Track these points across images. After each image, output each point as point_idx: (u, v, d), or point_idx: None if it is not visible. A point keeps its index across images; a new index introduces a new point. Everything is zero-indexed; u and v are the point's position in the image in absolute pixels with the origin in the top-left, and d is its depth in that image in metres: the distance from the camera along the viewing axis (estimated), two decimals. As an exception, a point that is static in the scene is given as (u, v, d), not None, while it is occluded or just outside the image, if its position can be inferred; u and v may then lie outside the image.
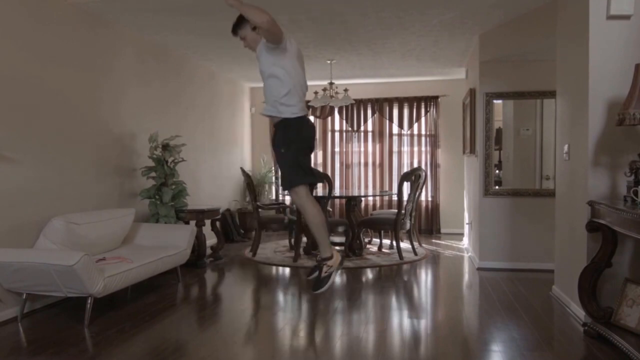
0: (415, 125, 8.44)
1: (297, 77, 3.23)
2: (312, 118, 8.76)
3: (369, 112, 8.59)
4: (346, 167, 8.70)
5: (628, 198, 3.17)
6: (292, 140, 3.20)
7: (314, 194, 5.74)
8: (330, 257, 3.24)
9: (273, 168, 8.79)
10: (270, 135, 8.91)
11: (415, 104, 8.40)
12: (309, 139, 3.31)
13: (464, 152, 7.08)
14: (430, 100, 8.35)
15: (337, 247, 6.52)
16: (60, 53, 4.34)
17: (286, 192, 3.33)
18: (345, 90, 7.14)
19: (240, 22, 3.31)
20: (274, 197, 8.85)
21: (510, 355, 3.10)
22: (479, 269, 5.53)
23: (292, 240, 6.61)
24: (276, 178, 8.83)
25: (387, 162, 8.56)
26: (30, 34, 4.02)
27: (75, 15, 4.52)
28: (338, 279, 5.29)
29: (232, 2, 2.93)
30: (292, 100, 3.18)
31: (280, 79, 3.17)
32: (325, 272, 3.21)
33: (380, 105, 8.50)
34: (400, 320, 3.88)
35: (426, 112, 8.38)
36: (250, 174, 6.77)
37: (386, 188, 8.48)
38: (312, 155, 8.60)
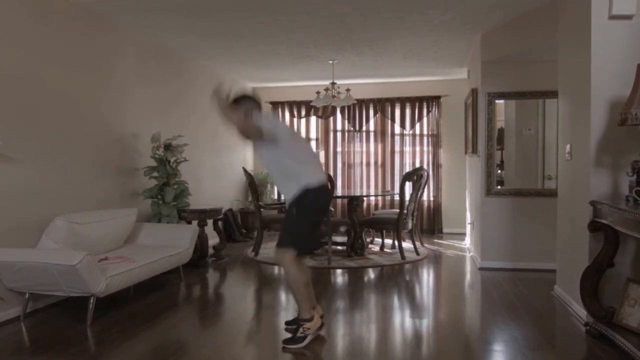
0: (417, 125, 8.43)
1: (302, 152, 3.34)
2: (314, 118, 8.79)
3: (371, 112, 8.58)
4: (348, 167, 8.70)
5: (630, 198, 3.17)
6: (307, 208, 3.26)
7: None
8: (310, 320, 3.27)
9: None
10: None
11: (417, 103, 8.39)
12: (323, 210, 3.43)
13: (466, 152, 7.07)
14: (432, 100, 8.34)
15: (339, 247, 6.56)
16: (62, 53, 4.35)
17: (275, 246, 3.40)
18: (347, 90, 7.14)
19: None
20: (275, 196, 8.86)
21: (511, 355, 3.10)
22: (480, 268, 5.53)
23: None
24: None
25: (389, 162, 8.56)
26: (32, 34, 4.03)
27: (77, 15, 4.53)
28: (340, 279, 5.30)
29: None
30: (309, 173, 3.27)
31: (288, 162, 3.27)
32: (301, 333, 3.23)
33: (382, 105, 8.50)
34: (402, 320, 3.89)
35: (428, 112, 8.38)
36: (252, 173, 6.77)
37: (388, 188, 8.48)
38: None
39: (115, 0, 4.44)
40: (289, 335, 3.32)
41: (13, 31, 3.85)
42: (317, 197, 3.28)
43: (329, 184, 3.50)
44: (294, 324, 3.39)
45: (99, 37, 4.84)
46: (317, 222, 3.45)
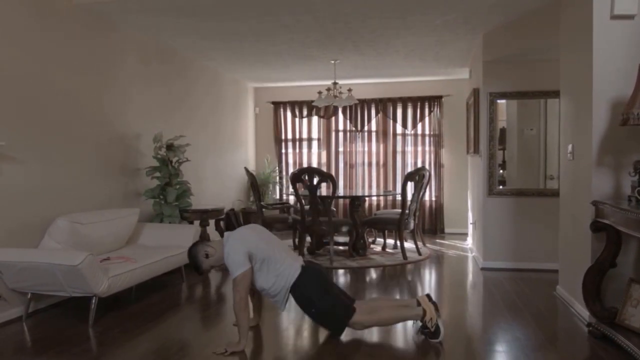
0: (419, 125, 8.43)
1: (268, 252, 3.30)
2: (315, 118, 8.78)
3: (373, 112, 8.58)
4: (350, 167, 8.70)
5: (632, 198, 3.16)
6: (312, 298, 3.30)
7: (318, 194, 5.75)
8: (423, 315, 3.29)
9: (277, 168, 8.81)
10: (274, 134, 8.93)
11: (418, 103, 8.39)
12: (324, 282, 3.43)
13: (467, 152, 7.07)
14: (434, 100, 8.34)
15: (341, 247, 6.56)
16: (64, 53, 4.36)
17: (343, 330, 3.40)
18: (349, 90, 7.14)
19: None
20: (277, 196, 8.87)
21: (514, 355, 3.10)
22: (482, 268, 5.53)
23: (296, 239, 6.61)
24: (280, 178, 8.85)
25: (390, 162, 8.55)
26: (33, 34, 4.04)
27: (80, 16, 4.54)
28: (342, 279, 5.30)
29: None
30: (280, 271, 3.28)
31: (262, 271, 3.29)
32: (432, 327, 3.27)
33: (384, 105, 8.50)
34: (415, 325, 3.87)
35: (430, 112, 8.38)
36: (254, 173, 6.78)
37: (390, 188, 8.47)
38: (315, 159, 8.69)
39: (118, 1, 4.44)
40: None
41: (15, 31, 3.86)
42: (307, 281, 3.32)
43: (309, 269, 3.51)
44: (422, 327, 3.35)
45: (101, 38, 4.85)
46: (328, 290, 3.41)
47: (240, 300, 3.15)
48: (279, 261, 3.30)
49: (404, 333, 3.55)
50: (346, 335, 3.44)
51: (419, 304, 3.33)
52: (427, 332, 3.30)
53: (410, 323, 3.45)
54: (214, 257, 3.35)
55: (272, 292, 3.32)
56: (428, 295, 3.39)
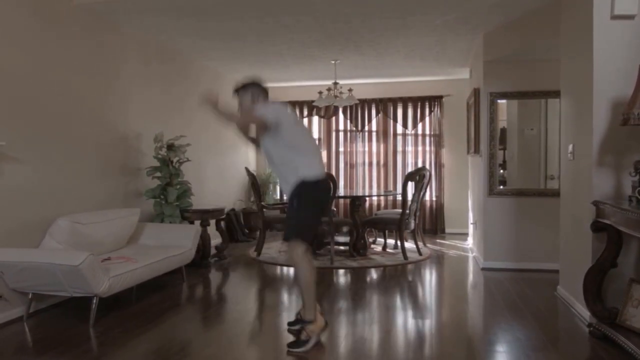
0: (420, 125, 8.43)
1: (303, 142, 3.33)
2: (316, 118, 8.79)
3: (373, 112, 8.58)
4: (350, 166, 8.70)
5: (633, 198, 3.16)
6: (307, 199, 3.26)
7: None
8: (311, 322, 3.22)
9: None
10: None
11: (419, 103, 8.39)
12: (322, 202, 3.42)
13: (468, 152, 7.07)
14: (434, 100, 8.34)
15: (342, 247, 6.57)
16: (65, 53, 4.36)
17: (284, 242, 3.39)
18: (350, 90, 7.14)
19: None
20: (278, 196, 8.87)
21: (514, 355, 3.10)
22: (483, 269, 5.53)
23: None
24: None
25: (391, 162, 8.55)
26: (34, 35, 4.04)
27: (80, 16, 4.54)
28: (342, 279, 5.30)
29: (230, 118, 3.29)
30: (306, 165, 3.27)
31: (288, 152, 3.28)
32: (305, 337, 3.20)
33: (385, 105, 8.50)
34: (404, 321, 3.89)
35: (430, 111, 8.38)
36: (254, 173, 6.78)
37: (390, 188, 8.47)
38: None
39: (118, 1, 4.44)
40: (292, 337, 3.32)
41: (15, 32, 3.86)
42: (314, 189, 3.27)
43: (330, 181, 3.50)
44: (296, 324, 3.39)
45: (102, 38, 4.85)
46: (318, 214, 3.43)
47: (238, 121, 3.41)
48: (303, 155, 3.29)
49: (404, 334, 3.56)
50: (345, 337, 3.45)
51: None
52: (295, 331, 3.30)
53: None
54: (255, 106, 3.34)
55: (277, 168, 3.37)
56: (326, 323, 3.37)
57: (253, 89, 3.45)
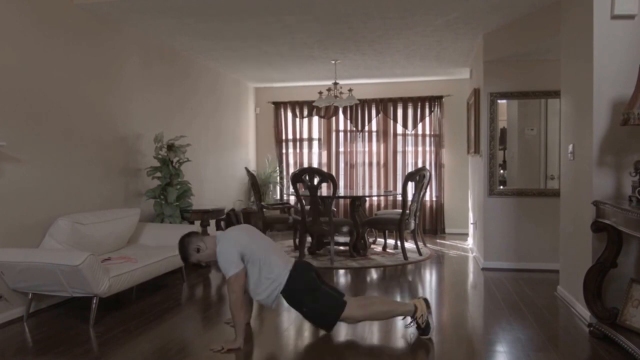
0: (420, 125, 8.43)
1: (260, 253, 3.31)
2: (316, 118, 8.79)
3: (374, 112, 8.59)
4: (351, 167, 8.71)
5: (633, 198, 3.16)
6: (304, 291, 3.31)
7: (318, 194, 5.75)
8: (415, 311, 3.33)
9: (278, 168, 8.81)
10: (274, 135, 8.93)
11: (419, 104, 8.39)
12: (313, 281, 3.38)
13: (468, 152, 7.07)
14: (435, 100, 8.34)
15: (342, 247, 6.57)
16: (65, 54, 4.36)
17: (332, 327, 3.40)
18: (350, 90, 7.15)
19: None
20: (278, 197, 8.87)
21: (515, 355, 3.10)
22: (483, 269, 5.53)
23: (297, 240, 6.61)
24: (280, 178, 8.85)
25: (391, 162, 8.55)
26: (35, 35, 4.04)
27: (81, 16, 4.55)
28: (342, 279, 5.30)
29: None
30: (272, 274, 3.28)
31: (253, 272, 3.29)
32: (422, 323, 3.33)
33: (385, 105, 8.50)
34: (404, 321, 3.88)
35: (430, 112, 8.38)
36: (254, 173, 6.78)
37: (390, 188, 8.48)
38: (316, 159, 8.69)
39: (119, 1, 4.45)
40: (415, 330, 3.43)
41: (16, 32, 3.86)
42: (299, 280, 3.31)
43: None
44: (411, 323, 3.41)
45: (102, 38, 4.85)
46: (319, 287, 3.38)
47: (237, 300, 3.17)
48: (271, 263, 3.30)
49: (403, 333, 3.55)
50: (345, 335, 3.45)
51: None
52: (418, 328, 3.35)
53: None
54: (204, 253, 3.38)
55: (261, 292, 3.31)
56: (423, 299, 3.43)
57: (189, 244, 3.40)
